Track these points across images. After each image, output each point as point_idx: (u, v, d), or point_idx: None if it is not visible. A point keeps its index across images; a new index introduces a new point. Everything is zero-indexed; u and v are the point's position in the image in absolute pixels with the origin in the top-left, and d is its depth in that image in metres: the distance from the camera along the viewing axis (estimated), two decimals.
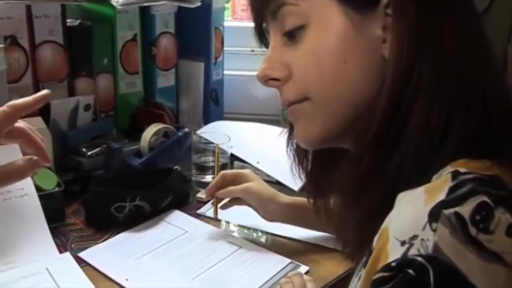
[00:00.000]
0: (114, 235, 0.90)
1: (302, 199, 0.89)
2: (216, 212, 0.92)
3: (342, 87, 0.49)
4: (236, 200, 0.91)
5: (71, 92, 1.13)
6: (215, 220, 0.96)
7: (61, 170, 1.01)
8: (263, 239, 0.91)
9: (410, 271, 0.39)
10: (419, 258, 0.39)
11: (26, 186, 0.87)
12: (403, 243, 0.40)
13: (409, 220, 0.41)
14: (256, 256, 0.84)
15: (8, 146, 0.90)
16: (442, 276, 0.38)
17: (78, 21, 1.17)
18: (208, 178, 1.08)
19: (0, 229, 0.82)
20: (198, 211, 0.99)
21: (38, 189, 0.89)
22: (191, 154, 1.09)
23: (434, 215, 0.40)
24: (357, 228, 0.52)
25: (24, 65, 1.06)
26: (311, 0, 0.49)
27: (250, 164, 1.13)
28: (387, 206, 0.45)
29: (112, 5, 1.11)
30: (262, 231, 0.92)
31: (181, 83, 1.34)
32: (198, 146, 1.10)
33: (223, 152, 1.10)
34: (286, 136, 0.62)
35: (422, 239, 0.40)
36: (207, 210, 0.99)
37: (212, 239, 0.89)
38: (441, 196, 0.41)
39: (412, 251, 0.39)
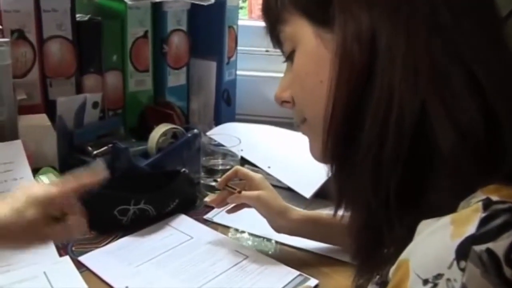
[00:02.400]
0: (117, 239, 0.87)
1: (313, 213, 0.86)
2: (218, 202, 0.89)
3: (325, 106, 0.47)
4: (245, 204, 0.88)
5: (79, 89, 1.11)
6: (223, 227, 0.93)
7: (66, 169, 0.98)
8: (272, 249, 0.87)
9: None
10: None
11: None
12: (425, 281, 0.36)
13: (433, 256, 0.37)
14: (263, 267, 0.80)
15: (11, 143, 0.89)
16: None
17: (88, 16, 1.15)
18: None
19: None
20: (205, 216, 0.96)
21: None
22: (199, 156, 1.06)
23: (462, 252, 0.36)
24: (373, 249, 0.49)
25: (31, 60, 1.04)
26: (293, 25, 0.51)
27: (260, 169, 1.09)
28: (408, 230, 0.41)
29: (123, 1, 1.10)
30: (272, 240, 0.89)
31: (192, 82, 1.31)
32: (207, 148, 1.06)
33: (233, 155, 1.07)
34: None
35: (448, 279, 0.36)
36: (214, 215, 0.96)
37: (218, 247, 0.86)
38: (471, 229, 0.36)
39: None
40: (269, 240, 0.89)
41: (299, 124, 0.55)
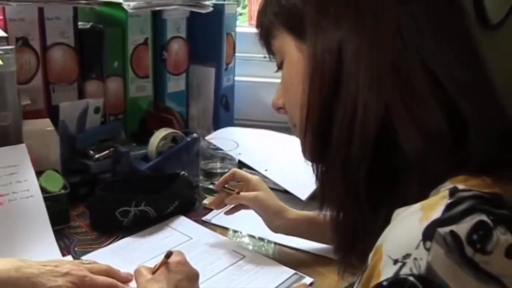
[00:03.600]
0: (118, 240, 0.89)
1: (308, 213, 0.88)
2: (216, 204, 0.92)
3: (307, 113, 0.52)
4: (243, 205, 0.90)
5: (81, 95, 1.14)
6: (221, 228, 0.95)
7: (68, 172, 1.01)
8: (269, 249, 0.89)
9: None
10: (411, 278, 0.38)
11: (31, 188, 0.87)
12: (395, 261, 0.40)
13: (402, 238, 0.41)
14: (260, 266, 0.83)
15: (16, 147, 0.91)
16: None
17: (90, 24, 1.18)
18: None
19: (3, 230, 0.82)
20: (204, 218, 0.98)
21: (44, 191, 0.89)
22: (198, 160, 1.09)
23: (428, 234, 0.39)
24: (351, 243, 0.52)
25: (35, 67, 1.06)
26: (280, 39, 0.56)
27: (258, 172, 1.12)
28: (385, 221, 0.44)
29: (124, 9, 1.11)
30: (269, 241, 0.91)
31: (191, 88, 1.33)
32: (206, 152, 1.09)
33: (231, 159, 1.09)
34: None
35: (415, 258, 0.39)
36: (213, 217, 0.98)
37: (217, 247, 0.88)
38: (437, 213, 0.40)
39: (404, 270, 0.39)
40: (266, 240, 0.91)
41: (292, 128, 0.59)
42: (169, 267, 0.68)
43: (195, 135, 1.13)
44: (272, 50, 0.59)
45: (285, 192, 1.06)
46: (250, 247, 0.89)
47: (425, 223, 0.39)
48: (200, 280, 0.78)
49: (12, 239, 0.82)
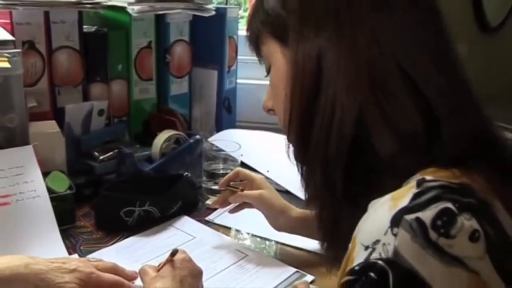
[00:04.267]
0: (122, 239, 0.91)
1: (311, 212, 0.89)
2: (220, 203, 0.93)
3: (290, 116, 0.55)
4: (247, 204, 0.91)
5: (86, 97, 1.15)
6: (224, 228, 0.97)
7: (74, 173, 1.03)
8: (272, 248, 0.91)
9: (372, 274, 0.41)
10: (380, 262, 0.41)
11: (38, 188, 0.89)
12: (366, 247, 0.43)
13: (373, 226, 0.44)
14: (262, 264, 0.84)
15: (22, 148, 0.93)
16: (401, 279, 0.40)
17: (95, 27, 1.20)
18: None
19: (11, 229, 0.83)
20: (207, 218, 1.00)
21: (50, 191, 0.90)
22: (201, 161, 1.10)
23: (395, 221, 0.42)
24: (334, 238, 0.56)
25: (41, 70, 1.08)
26: (268, 45, 0.59)
27: (260, 173, 1.13)
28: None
29: (128, 13, 1.13)
30: (271, 240, 0.93)
31: (194, 90, 1.35)
32: (209, 153, 1.11)
33: (233, 160, 1.11)
34: None
35: (384, 244, 0.41)
36: (216, 217, 1.00)
37: (220, 246, 0.90)
38: (404, 202, 0.43)
39: (374, 255, 0.42)
40: (268, 240, 0.93)
41: (283, 129, 0.61)
42: (174, 264, 0.70)
43: (198, 136, 1.15)
44: (261, 54, 0.62)
45: (287, 192, 1.07)
46: (253, 247, 0.91)
47: (393, 211, 0.42)
48: (204, 278, 0.79)
49: (19, 238, 0.83)
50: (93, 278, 0.70)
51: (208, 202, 1.05)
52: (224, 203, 0.93)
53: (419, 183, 0.44)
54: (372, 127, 0.49)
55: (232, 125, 1.40)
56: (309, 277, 0.81)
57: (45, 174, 0.92)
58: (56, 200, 0.90)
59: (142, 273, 0.72)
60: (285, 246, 0.91)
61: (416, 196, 0.43)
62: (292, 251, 0.90)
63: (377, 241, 0.42)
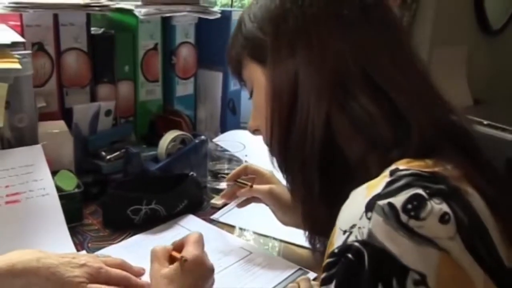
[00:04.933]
0: (129, 237, 0.93)
1: None
2: (228, 196, 0.94)
3: (271, 131, 0.60)
4: (254, 199, 0.92)
5: (93, 98, 1.17)
6: (229, 226, 0.99)
7: (81, 172, 1.05)
8: (275, 246, 0.93)
9: (349, 255, 0.45)
10: (356, 244, 0.45)
11: (47, 186, 0.91)
12: (344, 232, 0.46)
13: (350, 212, 0.48)
14: (266, 262, 0.86)
15: (32, 147, 0.95)
16: (375, 258, 0.44)
17: (102, 29, 1.22)
18: (223, 185, 1.10)
19: (21, 226, 0.85)
20: (212, 217, 1.02)
21: (59, 189, 0.92)
22: (206, 161, 1.12)
23: (369, 206, 0.45)
24: (325, 230, 0.58)
25: (50, 71, 1.10)
26: (248, 68, 0.64)
27: None
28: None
29: (135, 15, 1.15)
30: (275, 238, 0.94)
31: (199, 92, 1.37)
32: (214, 153, 1.12)
33: (238, 160, 1.13)
34: None
35: (359, 227, 0.45)
36: (220, 216, 1.02)
37: (224, 244, 0.92)
38: (378, 190, 0.46)
39: (351, 238, 0.45)
40: (271, 238, 0.94)
41: (267, 146, 0.66)
42: (185, 267, 0.70)
43: (203, 137, 1.17)
44: (243, 79, 0.67)
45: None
46: (257, 244, 0.93)
47: (367, 198, 0.46)
48: None
49: (29, 235, 0.85)
50: (101, 273, 0.72)
51: (213, 201, 1.07)
52: (231, 197, 0.94)
53: (392, 173, 0.48)
54: (338, 133, 0.55)
55: (237, 126, 1.42)
56: (311, 275, 0.83)
57: (53, 173, 0.94)
58: (64, 198, 0.92)
59: (152, 254, 0.73)
60: (289, 244, 0.93)
61: (388, 184, 0.46)
62: (295, 249, 0.92)
63: (353, 226, 0.46)
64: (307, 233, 0.68)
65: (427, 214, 0.44)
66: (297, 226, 0.90)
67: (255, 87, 0.65)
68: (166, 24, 1.25)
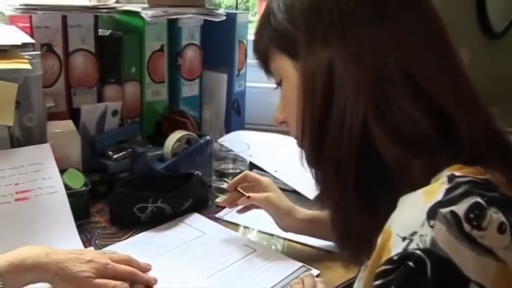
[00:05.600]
0: (136, 234, 0.94)
1: (317, 213, 0.92)
2: (229, 203, 0.96)
3: (303, 126, 0.59)
4: (254, 205, 0.94)
5: (100, 98, 1.19)
6: (233, 225, 1.00)
7: (88, 171, 1.06)
8: (279, 244, 0.94)
9: (410, 263, 0.44)
10: (418, 252, 0.44)
11: (55, 184, 0.92)
12: (404, 239, 0.45)
13: (409, 219, 0.46)
14: (270, 259, 0.87)
15: (41, 146, 0.97)
16: (438, 267, 0.43)
17: (109, 31, 1.23)
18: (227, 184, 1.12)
19: (30, 222, 0.87)
20: (217, 215, 1.03)
21: (67, 187, 0.94)
22: (211, 161, 1.14)
23: (431, 214, 0.45)
24: (359, 234, 0.58)
25: (58, 71, 1.12)
26: (277, 61, 0.62)
27: (268, 173, 1.17)
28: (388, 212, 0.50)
29: (141, 17, 1.17)
30: (278, 236, 0.96)
31: (204, 93, 1.39)
32: (218, 153, 1.14)
33: (242, 160, 1.14)
34: None
35: (421, 235, 0.44)
36: (225, 214, 1.04)
37: (229, 241, 0.93)
38: (438, 196, 0.46)
39: (412, 246, 0.44)
40: (275, 236, 0.96)
41: (296, 139, 0.65)
42: None
43: (208, 137, 1.19)
44: (270, 71, 0.65)
45: (294, 192, 1.11)
46: (260, 242, 0.94)
47: (428, 205, 0.45)
48: (214, 271, 0.83)
49: (38, 231, 0.87)
50: (108, 268, 0.74)
51: (218, 200, 1.08)
52: (232, 203, 0.96)
53: (450, 179, 0.47)
54: (376, 135, 0.53)
55: (241, 127, 1.43)
56: (314, 271, 0.84)
57: (61, 171, 0.96)
58: (72, 196, 0.93)
59: None
60: (291, 241, 0.94)
61: (448, 191, 0.46)
62: (298, 247, 0.93)
63: (414, 233, 0.45)
64: (336, 239, 0.66)
65: (487, 224, 0.44)
66: (296, 232, 0.92)
67: (285, 80, 0.62)
68: (172, 26, 1.27)
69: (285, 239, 0.95)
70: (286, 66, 0.61)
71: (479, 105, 0.54)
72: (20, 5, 1.02)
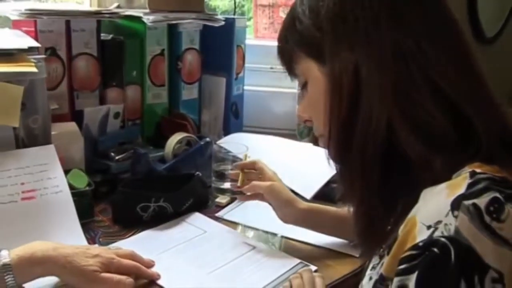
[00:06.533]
0: (138, 233, 0.97)
1: (317, 205, 0.96)
2: (242, 182, 0.99)
3: (329, 126, 0.62)
4: (258, 196, 0.97)
5: (102, 101, 1.21)
6: (233, 223, 1.03)
7: (91, 172, 1.09)
8: (276, 242, 0.97)
9: (435, 249, 0.48)
10: (443, 239, 0.48)
11: (60, 184, 0.95)
12: (429, 227, 0.49)
13: (434, 209, 0.50)
14: (269, 256, 0.90)
15: (45, 147, 0.99)
16: (461, 254, 0.47)
17: (111, 35, 1.26)
18: (227, 185, 1.15)
19: (37, 220, 0.90)
20: (217, 214, 1.06)
21: (71, 187, 0.96)
22: (211, 162, 1.16)
23: (455, 205, 0.49)
24: (381, 227, 0.61)
25: (61, 75, 1.15)
26: (302, 63, 0.65)
27: None
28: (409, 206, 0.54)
29: (143, 22, 1.20)
30: (277, 234, 0.99)
31: (203, 96, 1.42)
32: (218, 155, 1.16)
33: (241, 160, 1.17)
34: None
35: (446, 224, 0.48)
36: (225, 214, 1.06)
37: (229, 239, 0.96)
38: (461, 190, 0.50)
39: (437, 234, 0.48)
40: (274, 234, 0.99)
41: (318, 137, 0.68)
42: None
43: (208, 139, 1.21)
44: (295, 73, 0.68)
45: (292, 192, 1.13)
46: (259, 240, 0.97)
47: (452, 197, 0.49)
48: (213, 268, 0.86)
49: (44, 229, 0.89)
50: (113, 262, 0.77)
51: (218, 200, 1.11)
52: (235, 176, 1.00)
53: (472, 175, 0.51)
54: (399, 134, 0.56)
55: (239, 129, 1.46)
56: (311, 267, 0.87)
57: (65, 172, 0.98)
58: (76, 195, 0.96)
59: None
60: (289, 239, 0.97)
61: (470, 185, 0.50)
62: (295, 244, 0.96)
63: (439, 222, 0.49)
64: (357, 234, 0.67)
65: (506, 217, 0.48)
66: (295, 223, 0.94)
67: (310, 82, 0.65)
68: (173, 31, 1.30)
69: (283, 237, 0.98)
70: (312, 69, 0.64)
71: (495, 107, 0.58)
72: (25, 10, 1.05)
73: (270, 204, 0.95)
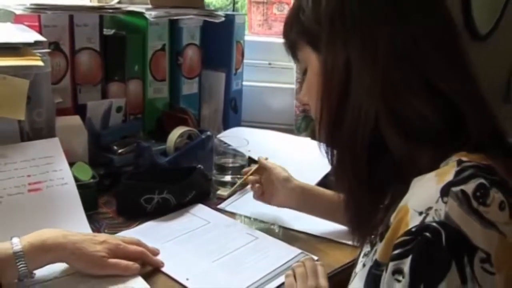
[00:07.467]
0: (142, 224, 0.99)
1: (312, 186, 1.01)
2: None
3: (320, 112, 0.65)
4: (259, 170, 1.03)
5: (104, 95, 1.23)
6: (234, 215, 1.06)
7: (94, 165, 1.10)
8: (277, 232, 1.00)
9: (427, 234, 0.51)
10: (434, 224, 0.51)
11: (66, 176, 0.97)
12: (420, 213, 0.52)
13: (425, 196, 0.53)
14: (270, 246, 0.93)
15: (50, 140, 1.01)
16: (451, 237, 0.50)
17: (114, 30, 1.28)
18: (227, 178, 1.17)
19: (43, 211, 0.91)
20: (218, 206, 1.08)
21: (76, 179, 0.98)
22: (212, 155, 1.18)
23: (445, 191, 0.52)
24: (370, 215, 0.64)
25: (64, 69, 1.16)
26: (303, 51, 0.68)
27: None
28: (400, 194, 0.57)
29: (145, 17, 1.22)
30: (276, 225, 1.01)
31: (203, 91, 1.44)
32: (218, 148, 1.19)
33: (242, 155, 1.19)
34: None
35: (436, 210, 0.51)
36: (226, 205, 1.09)
37: (231, 230, 0.98)
38: (450, 177, 0.53)
39: (428, 219, 0.51)
40: (274, 225, 1.01)
41: (315, 120, 0.70)
42: None
43: (208, 133, 1.24)
44: (298, 59, 0.72)
45: None
46: (261, 231, 0.99)
47: (441, 185, 0.52)
48: (217, 257, 0.88)
49: (50, 220, 0.91)
50: (120, 248, 0.79)
51: (219, 192, 1.14)
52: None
53: (459, 163, 0.54)
54: (384, 130, 0.59)
55: (238, 123, 1.48)
56: (313, 257, 0.89)
57: (69, 165, 0.99)
58: (81, 187, 0.97)
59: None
60: (289, 230, 1.00)
61: (458, 173, 0.53)
62: (295, 234, 0.99)
63: (429, 208, 0.52)
64: (348, 220, 0.70)
65: (491, 201, 0.51)
66: (290, 204, 1.00)
67: (309, 68, 0.68)
68: (174, 27, 1.32)
69: (284, 228, 1.01)
70: (310, 56, 0.67)
71: (485, 103, 0.61)
72: (30, 4, 1.07)
73: (267, 187, 1.00)
